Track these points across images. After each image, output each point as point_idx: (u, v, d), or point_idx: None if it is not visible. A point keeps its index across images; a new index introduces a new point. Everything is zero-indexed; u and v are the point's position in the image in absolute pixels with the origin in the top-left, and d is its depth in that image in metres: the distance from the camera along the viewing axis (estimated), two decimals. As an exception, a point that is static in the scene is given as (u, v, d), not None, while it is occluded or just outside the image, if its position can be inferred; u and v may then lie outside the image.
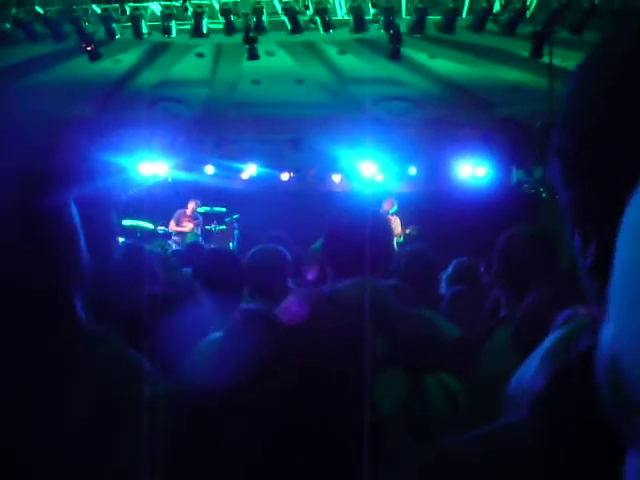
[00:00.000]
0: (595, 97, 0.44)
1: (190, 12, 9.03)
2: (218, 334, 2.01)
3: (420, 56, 10.59)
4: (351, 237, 2.05)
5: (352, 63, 10.82)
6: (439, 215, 11.01)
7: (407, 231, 11.23)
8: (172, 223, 11.63)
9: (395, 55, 9.45)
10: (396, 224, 11.08)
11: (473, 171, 12.88)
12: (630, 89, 0.41)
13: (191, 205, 11.78)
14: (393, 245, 2.57)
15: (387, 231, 2.35)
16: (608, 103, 0.42)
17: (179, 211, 11.71)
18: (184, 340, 2.11)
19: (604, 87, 0.44)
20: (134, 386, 1.36)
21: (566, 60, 8.54)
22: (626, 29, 0.47)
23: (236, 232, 12.06)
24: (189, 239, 10.68)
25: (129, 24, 9.23)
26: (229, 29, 9.21)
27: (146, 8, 9.22)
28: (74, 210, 1.41)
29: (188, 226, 11.59)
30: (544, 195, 11.06)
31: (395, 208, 11.62)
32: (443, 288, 4.39)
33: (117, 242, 3.15)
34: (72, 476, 1.20)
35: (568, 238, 0.53)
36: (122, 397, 1.33)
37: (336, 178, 13.81)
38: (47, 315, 1.36)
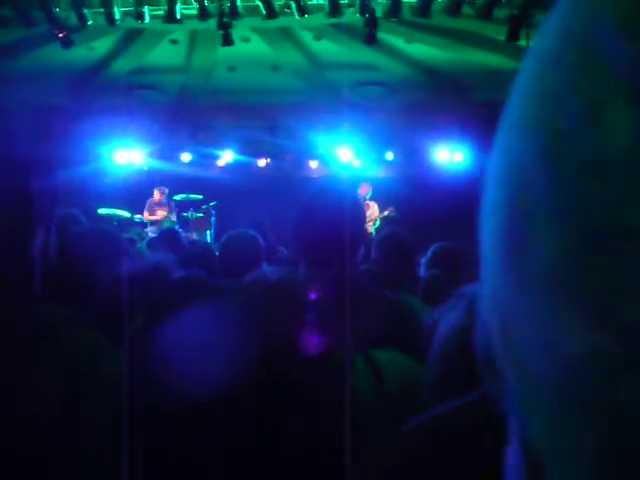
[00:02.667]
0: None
1: (163, -3, 8.94)
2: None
3: (396, 40, 10.54)
4: (320, 222, 2.01)
5: (328, 48, 10.75)
6: (417, 200, 11.00)
7: (385, 213, 11.18)
8: (146, 213, 11.51)
9: (371, 40, 9.40)
10: (373, 210, 11.05)
11: (450, 156, 12.88)
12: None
13: (156, 193, 11.61)
14: (364, 230, 2.54)
15: (358, 216, 2.31)
16: None
17: (149, 200, 11.59)
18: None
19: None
20: (98, 366, 1.33)
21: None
22: None
23: (213, 219, 12.01)
24: (165, 226, 10.57)
25: (101, 10, 9.10)
26: (203, 14, 9.11)
27: (118, -7, 9.11)
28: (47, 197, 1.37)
29: (161, 214, 11.43)
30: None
31: (371, 193, 11.56)
32: (422, 272, 4.37)
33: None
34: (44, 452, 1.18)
35: None
36: (86, 378, 1.30)
37: (313, 164, 13.77)
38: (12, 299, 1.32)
